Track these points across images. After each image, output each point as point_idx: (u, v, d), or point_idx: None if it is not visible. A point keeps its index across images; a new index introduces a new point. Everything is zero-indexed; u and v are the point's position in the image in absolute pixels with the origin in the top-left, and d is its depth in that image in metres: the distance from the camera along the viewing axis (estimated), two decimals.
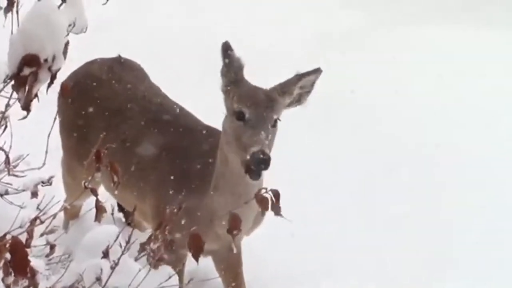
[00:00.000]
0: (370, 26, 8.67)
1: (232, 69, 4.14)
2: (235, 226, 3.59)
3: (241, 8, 8.80)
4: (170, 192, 4.32)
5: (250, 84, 4.21)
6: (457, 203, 5.65)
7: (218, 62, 4.19)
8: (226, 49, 4.15)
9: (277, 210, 3.63)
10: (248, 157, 3.92)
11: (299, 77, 4.25)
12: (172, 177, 4.37)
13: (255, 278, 4.77)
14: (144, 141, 4.53)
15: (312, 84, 4.28)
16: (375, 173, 6.00)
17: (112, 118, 4.62)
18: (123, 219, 5.26)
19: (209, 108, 4.17)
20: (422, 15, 8.84)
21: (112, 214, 4.31)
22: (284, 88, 4.21)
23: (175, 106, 4.69)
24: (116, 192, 4.45)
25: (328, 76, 4.22)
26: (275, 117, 4.11)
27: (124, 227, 4.08)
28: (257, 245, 4.65)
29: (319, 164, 6.05)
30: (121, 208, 5.29)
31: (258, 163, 3.90)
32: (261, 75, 4.21)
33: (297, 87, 4.23)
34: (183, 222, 3.99)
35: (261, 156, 3.90)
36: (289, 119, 4.22)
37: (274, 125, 4.11)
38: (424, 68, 7.68)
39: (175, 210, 3.57)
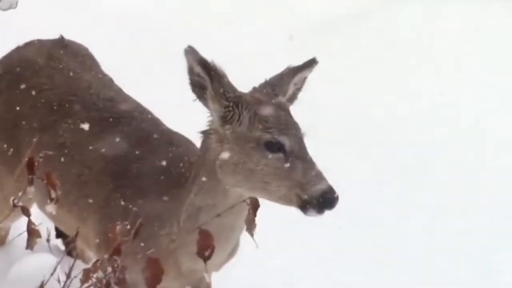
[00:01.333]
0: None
1: (223, 84, 3.52)
2: (206, 245, 3.12)
3: None
4: (119, 215, 3.73)
5: (256, 96, 3.62)
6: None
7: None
8: (200, 56, 3.49)
9: (251, 226, 3.22)
10: (306, 196, 3.44)
11: (293, 71, 3.68)
12: (121, 196, 3.84)
13: None
14: (87, 147, 3.98)
15: (305, 79, 3.71)
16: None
17: (48, 116, 4.08)
18: (62, 247, 4.85)
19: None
20: None
21: (48, 240, 3.79)
22: (277, 88, 3.63)
23: (130, 102, 4.13)
24: (53, 211, 3.72)
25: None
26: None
27: (64, 257, 3.79)
28: None
29: None
30: (59, 233, 4.81)
31: (332, 203, 3.45)
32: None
33: (292, 84, 3.66)
34: (138, 255, 3.56)
35: (334, 195, 3.44)
36: None
37: None
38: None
39: (130, 236, 3.11)
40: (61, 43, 4.35)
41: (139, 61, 6.88)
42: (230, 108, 3.55)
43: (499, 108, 6.90)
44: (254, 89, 3.68)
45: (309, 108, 3.71)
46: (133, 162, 3.87)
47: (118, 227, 3.17)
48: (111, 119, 4.01)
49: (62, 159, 3.97)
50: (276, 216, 3.87)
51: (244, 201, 3.26)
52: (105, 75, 4.33)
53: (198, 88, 3.54)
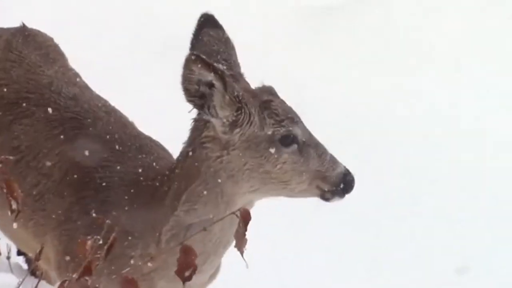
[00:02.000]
0: None
1: (235, 87, 3.36)
2: (187, 263, 2.84)
3: None
4: (81, 232, 3.51)
5: (244, 87, 3.45)
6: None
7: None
8: (215, 68, 3.30)
9: (240, 241, 2.92)
10: (327, 186, 3.38)
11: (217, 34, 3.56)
12: (83, 211, 3.57)
13: None
14: (44, 153, 3.71)
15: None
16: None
17: (3, 116, 3.82)
18: (25, 265, 4.64)
19: None
20: None
21: (8, 257, 3.88)
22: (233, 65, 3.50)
23: (96, 101, 3.84)
24: (15, 225, 3.68)
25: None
26: None
27: (26, 277, 3.69)
28: None
29: None
30: (21, 251, 4.58)
31: (353, 185, 3.41)
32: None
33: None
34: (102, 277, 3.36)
35: (352, 175, 3.41)
36: None
37: None
38: None
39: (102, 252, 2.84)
40: (23, 33, 4.07)
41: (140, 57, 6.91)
42: (242, 110, 3.35)
43: (499, 108, 6.91)
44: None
45: (307, 108, 3.59)
46: (97, 171, 3.60)
47: (89, 242, 2.91)
48: (73, 120, 3.74)
49: (15, 166, 3.69)
50: (269, 217, 3.84)
51: (234, 213, 2.99)
52: (70, 69, 4.04)
53: (198, 98, 3.31)
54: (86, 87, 3.91)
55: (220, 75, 3.26)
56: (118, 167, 3.58)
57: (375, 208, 5.56)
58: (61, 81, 3.87)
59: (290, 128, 3.32)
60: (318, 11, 7.83)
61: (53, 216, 3.62)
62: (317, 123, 5.75)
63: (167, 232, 3.44)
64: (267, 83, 3.45)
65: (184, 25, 3.75)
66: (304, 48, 7.36)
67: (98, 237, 2.92)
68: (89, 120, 3.70)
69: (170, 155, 3.64)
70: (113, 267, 3.38)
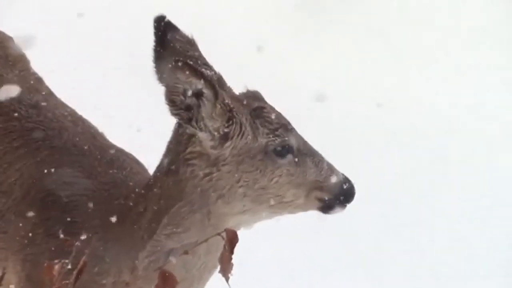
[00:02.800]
0: None
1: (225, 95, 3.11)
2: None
3: None
4: (47, 256, 3.25)
5: (231, 95, 3.20)
6: None
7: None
8: (204, 75, 3.05)
9: (226, 265, 2.74)
10: (327, 196, 3.15)
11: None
12: (48, 233, 3.31)
13: None
14: (4, 168, 3.47)
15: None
16: None
17: None
18: None
19: None
20: None
21: None
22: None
23: (63, 111, 3.58)
24: None
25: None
26: None
27: None
28: None
29: None
30: None
31: (353, 193, 3.18)
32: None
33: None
34: None
35: (352, 184, 3.19)
36: None
37: None
38: None
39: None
40: None
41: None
42: (232, 120, 3.11)
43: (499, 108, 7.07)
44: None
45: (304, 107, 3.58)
46: (63, 188, 3.34)
47: (56, 267, 2.75)
48: (36, 131, 3.48)
49: None
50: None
51: (219, 234, 2.78)
52: (33, 73, 3.77)
53: (185, 111, 3.05)
54: (50, 94, 3.65)
55: (210, 82, 3.01)
56: (87, 184, 3.32)
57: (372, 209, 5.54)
58: (22, 87, 3.57)
59: (286, 138, 3.08)
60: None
61: (15, 239, 3.38)
62: (317, 124, 5.90)
63: (144, 258, 3.17)
64: (262, 83, 3.26)
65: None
66: (302, 48, 7.34)
67: (66, 261, 2.76)
68: (53, 130, 3.44)
69: (145, 170, 3.38)
70: None
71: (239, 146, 3.07)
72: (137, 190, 3.22)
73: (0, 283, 3.18)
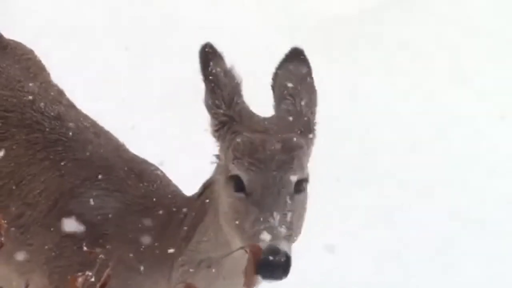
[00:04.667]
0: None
1: (220, 93, 3.05)
2: None
3: None
4: (74, 270, 3.13)
5: (256, 117, 3.09)
6: None
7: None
8: (207, 58, 3.08)
9: (249, 280, 2.68)
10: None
11: (307, 73, 3.15)
12: (76, 246, 3.28)
13: None
14: (28, 180, 3.45)
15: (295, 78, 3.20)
16: None
17: None
18: None
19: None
20: None
21: None
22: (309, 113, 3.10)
23: (85, 122, 3.56)
24: None
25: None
26: (296, 179, 2.96)
27: None
28: None
29: None
30: None
31: (268, 268, 2.80)
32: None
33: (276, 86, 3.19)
34: None
35: (271, 258, 2.79)
36: None
37: (300, 191, 2.98)
38: None
39: None
40: None
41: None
42: (218, 128, 3.10)
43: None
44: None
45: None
46: (92, 201, 3.32)
47: (80, 279, 2.71)
48: (59, 143, 3.48)
49: None
50: None
51: (243, 248, 2.78)
52: (53, 85, 3.77)
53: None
54: (71, 106, 3.64)
55: (207, 81, 3.03)
56: (117, 197, 3.31)
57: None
58: (44, 99, 3.60)
59: (238, 174, 2.93)
60: (330, 22, 7.69)
61: (42, 252, 3.37)
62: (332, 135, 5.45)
63: (179, 267, 3.14)
64: None
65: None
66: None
67: (90, 273, 2.70)
68: (77, 142, 3.44)
69: (170, 182, 3.37)
70: None
71: (222, 156, 3.05)
72: (174, 201, 3.22)
73: None
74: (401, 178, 6.04)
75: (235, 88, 3.04)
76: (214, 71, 3.04)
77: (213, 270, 3.08)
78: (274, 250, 2.79)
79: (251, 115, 3.07)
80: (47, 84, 3.71)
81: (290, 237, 2.86)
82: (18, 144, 3.47)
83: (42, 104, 3.56)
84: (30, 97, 3.60)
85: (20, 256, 3.40)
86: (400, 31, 7.61)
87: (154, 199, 3.26)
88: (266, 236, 2.81)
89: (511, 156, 6.37)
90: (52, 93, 3.66)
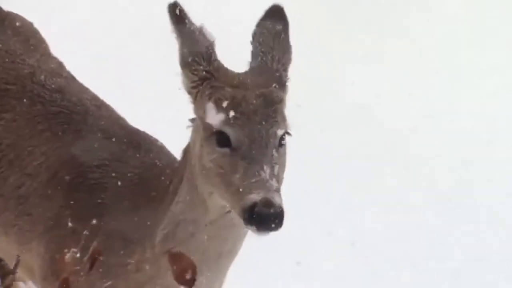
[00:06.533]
0: None
1: (198, 49, 3.01)
2: (183, 268, 2.61)
3: None
4: (72, 239, 3.16)
5: (231, 72, 3.05)
6: None
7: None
8: (181, 16, 3.02)
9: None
10: (246, 205, 2.84)
11: (282, 30, 3.10)
12: (75, 216, 3.26)
13: None
14: (29, 151, 3.44)
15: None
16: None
17: None
18: None
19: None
20: None
21: None
22: (283, 66, 3.07)
23: (85, 95, 3.54)
24: None
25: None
26: (281, 132, 2.96)
27: None
28: None
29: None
30: None
31: (264, 221, 2.81)
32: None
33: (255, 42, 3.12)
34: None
35: (267, 210, 2.79)
36: None
37: (282, 144, 2.97)
38: None
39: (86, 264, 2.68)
40: None
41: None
42: (196, 84, 3.05)
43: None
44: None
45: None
46: (92, 171, 3.31)
47: (67, 255, 2.72)
48: (60, 115, 3.45)
49: None
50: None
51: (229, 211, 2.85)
52: (53, 58, 3.74)
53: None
54: (72, 78, 3.61)
55: (180, 34, 2.97)
56: (117, 167, 3.28)
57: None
58: (44, 71, 3.57)
59: (223, 129, 2.90)
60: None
61: (40, 221, 3.35)
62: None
63: (161, 231, 3.14)
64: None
65: None
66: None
67: (75, 250, 2.71)
68: (78, 115, 3.42)
69: (169, 152, 3.37)
70: (105, 279, 3.15)
71: (201, 112, 3.00)
72: (162, 172, 3.19)
73: (14, 270, 3.19)
74: None
75: (211, 45, 2.99)
76: (191, 28, 2.99)
77: (192, 242, 3.07)
78: (269, 203, 2.79)
79: (227, 70, 3.04)
80: (47, 57, 3.68)
81: (279, 189, 2.85)
82: (19, 116, 3.45)
83: (42, 77, 3.53)
84: (31, 70, 3.57)
85: (19, 226, 3.40)
86: None
87: (149, 169, 3.24)
88: (259, 190, 2.80)
89: None
90: (52, 65, 3.63)
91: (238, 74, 3.02)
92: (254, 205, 2.79)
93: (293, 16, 3.24)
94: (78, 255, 2.69)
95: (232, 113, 2.90)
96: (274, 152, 2.87)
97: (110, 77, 5.62)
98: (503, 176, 5.93)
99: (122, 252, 3.18)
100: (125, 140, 3.34)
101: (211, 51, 2.98)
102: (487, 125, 6.39)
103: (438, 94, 6.78)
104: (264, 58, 3.03)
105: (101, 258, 2.77)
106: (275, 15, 3.11)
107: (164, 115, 4.82)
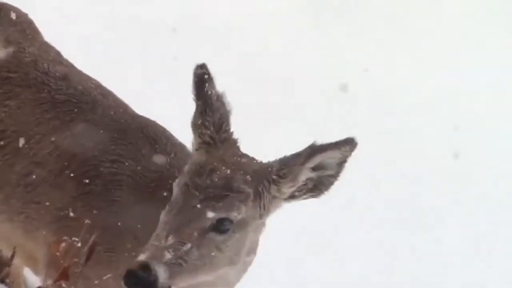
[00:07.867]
0: None
1: (211, 116, 3.04)
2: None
3: None
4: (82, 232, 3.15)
5: (233, 150, 3.07)
6: None
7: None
8: (203, 79, 3.06)
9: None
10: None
11: (310, 152, 3.01)
12: (87, 208, 3.28)
13: None
14: (37, 139, 3.41)
15: (341, 164, 3.03)
16: None
17: None
18: None
19: None
20: None
21: None
22: (281, 171, 3.00)
23: (90, 83, 3.52)
24: None
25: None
26: (214, 216, 2.89)
27: None
28: None
29: None
30: None
31: (130, 280, 2.79)
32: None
33: (306, 169, 3.01)
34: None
35: (138, 272, 2.78)
36: None
37: (221, 231, 2.91)
38: None
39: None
40: None
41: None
42: (199, 148, 3.08)
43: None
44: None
45: None
46: (107, 166, 3.31)
47: (63, 244, 2.92)
48: (68, 103, 3.44)
49: (1, 152, 3.41)
50: None
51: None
52: (51, 47, 3.72)
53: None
54: (73, 66, 3.59)
55: (198, 103, 3.02)
56: (132, 166, 3.28)
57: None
58: (46, 60, 3.55)
59: (174, 185, 2.97)
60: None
61: (50, 210, 3.33)
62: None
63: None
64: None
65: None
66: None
67: (76, 239, 2.85)
68: (86, 104, 3.41)
69: (182, 143, 3.36)
70: (111, 274, 3.18)
71: None
72: (175, 174, 3.19)
73: (10, 263, 3.29)
74: None
75: (225, 114, 3.01)
76: (209, 93, 3.02)
77: None
78: (144, 267, 2.77)
79: (232, 147, 3.04)
80: (45, 46, 3.67)
81: (175, 266, 2.80)
82: (24, 103, 3.42)
83: (45, 65, 3.51)
84: (32, 58, 3.55)
85: (26, 214, 3.39)
86: None
87: (163, 171, 3.25)
88: (147, 252, 2.79)
89: None
90: (52, 54, 3.61)
91: (239, 154, 3.03)
92: (128, 272, 2.77)
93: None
94: (79, 244, 2.84)
95: (188, 178, 2.91)
96: (196, 232, 2.83)
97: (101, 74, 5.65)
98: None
99: (129, 246, 3.19)
100: (140, 135, 3.31)
101: (223, 121, 2.99)
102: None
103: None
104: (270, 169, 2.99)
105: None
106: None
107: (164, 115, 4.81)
